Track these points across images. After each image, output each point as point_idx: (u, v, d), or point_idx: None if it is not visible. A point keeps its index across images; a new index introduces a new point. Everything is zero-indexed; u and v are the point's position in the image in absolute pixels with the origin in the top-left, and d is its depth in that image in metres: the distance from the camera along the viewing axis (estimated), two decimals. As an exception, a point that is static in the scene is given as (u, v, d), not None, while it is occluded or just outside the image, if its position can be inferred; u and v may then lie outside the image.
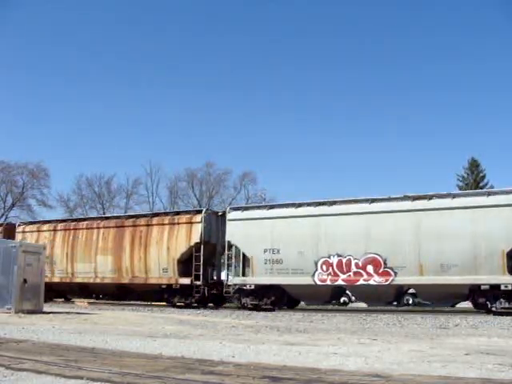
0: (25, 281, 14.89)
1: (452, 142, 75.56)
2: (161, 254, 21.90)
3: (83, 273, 23.86)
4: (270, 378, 4.94)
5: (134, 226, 23.07)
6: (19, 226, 27.36)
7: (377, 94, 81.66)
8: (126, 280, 22.87)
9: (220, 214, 22.42)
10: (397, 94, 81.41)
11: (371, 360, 6.30)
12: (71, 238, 24.65)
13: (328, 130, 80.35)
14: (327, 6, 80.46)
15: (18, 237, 26.12)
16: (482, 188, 43.41)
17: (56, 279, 24.58)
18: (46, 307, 16.45)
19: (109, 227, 23.80)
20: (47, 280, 24.44)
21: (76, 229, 24.80)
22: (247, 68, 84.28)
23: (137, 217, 24.49)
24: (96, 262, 23.47)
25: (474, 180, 49.32)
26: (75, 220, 27.00)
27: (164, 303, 22.86)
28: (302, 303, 21.61)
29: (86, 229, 24.44)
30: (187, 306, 21.30)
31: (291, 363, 5.92)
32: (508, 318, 14.69)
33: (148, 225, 22.73)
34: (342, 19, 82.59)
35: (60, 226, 25.66)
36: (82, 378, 4.89)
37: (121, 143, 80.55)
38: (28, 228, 26.82)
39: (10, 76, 77.45)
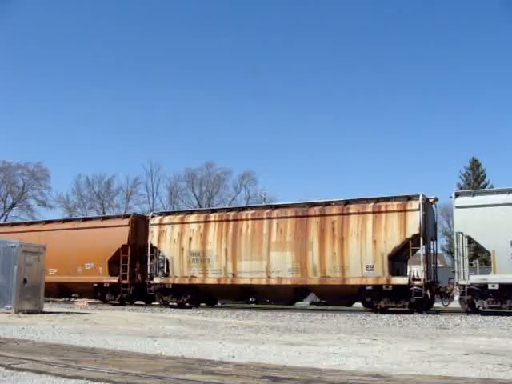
0: (25, 281, 14.90)
1: (453, 143, 75.83)
2: (364, 249, 18.78)
3: (249, 273, 20.57)
4: (270, 377, 4.93)
5: (322, 215, 19.78)
6: (153, 217, 23.54)
7: (378, 95, 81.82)
8: (313, 281, 19.61)
9: (431, 200, 19.46)
10: (398, 95, 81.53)
11: (371, 360, 6.30)
12: (231, 230, 21.17)
13: (328, 130, 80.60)
14: (329, 7, 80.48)
15: (153, 230, 22.75)
16: (483, 187, 43.41)
17: (210, 280, 21.33)
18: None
19: (285, 217, 20.41)
20: (199, 282, 21.33)
21: (237, 220, 21.27)
22: (247, 68, 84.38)
23: (325, 204, 20.47)
24: (269, 260, 20.21)
25: (475, 179, 49.58)
26: (233, 209, 23.17)
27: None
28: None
29: (252, 219, 20.96)
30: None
31: (291, 363, 5.91)
32: (508, 317, 14.71)
33: (343, 214, 19.49)
34: (343, 19, 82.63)
35: (213, 216, 21.94)
36: (82, 378, 4.89)
37: (121, 143, 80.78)
38: (166, 219, 22.94)
39: (10, 76, 77.59)
